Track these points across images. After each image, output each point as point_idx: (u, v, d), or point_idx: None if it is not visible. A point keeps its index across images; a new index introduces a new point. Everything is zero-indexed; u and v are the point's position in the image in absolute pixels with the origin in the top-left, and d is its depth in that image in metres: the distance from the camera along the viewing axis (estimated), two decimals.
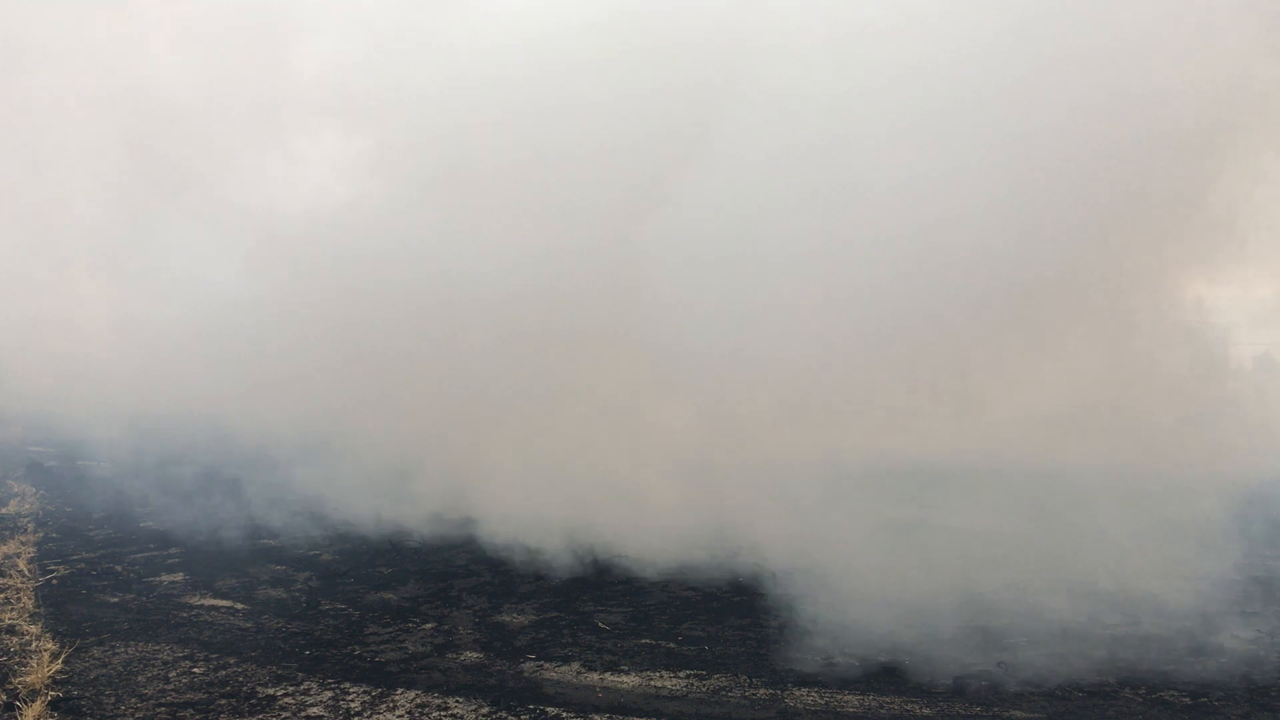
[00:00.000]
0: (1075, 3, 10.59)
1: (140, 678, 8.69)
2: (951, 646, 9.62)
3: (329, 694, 8.30)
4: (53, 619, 10.52)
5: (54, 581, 12.27)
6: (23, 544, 14.24)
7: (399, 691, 8.36)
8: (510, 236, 14.29)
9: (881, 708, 8.12)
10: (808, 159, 11.91)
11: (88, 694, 8.24)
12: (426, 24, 16.37)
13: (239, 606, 11.26)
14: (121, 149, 20.59)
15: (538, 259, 13.94)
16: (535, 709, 7.99)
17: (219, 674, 8.83)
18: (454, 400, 15.39)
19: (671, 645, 9.85)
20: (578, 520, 13.97)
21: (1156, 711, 8.11)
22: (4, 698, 7.99)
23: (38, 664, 8.65)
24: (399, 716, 7.81)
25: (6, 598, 11.20)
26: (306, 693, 8.34)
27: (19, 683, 8.33)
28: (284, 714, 7.84)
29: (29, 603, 11.04)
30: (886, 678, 8.84)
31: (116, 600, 11.45)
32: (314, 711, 7.89)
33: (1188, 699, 8.41)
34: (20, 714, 7.58)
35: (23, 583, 11.91)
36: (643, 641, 9.97)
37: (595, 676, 8.86)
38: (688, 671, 9.00)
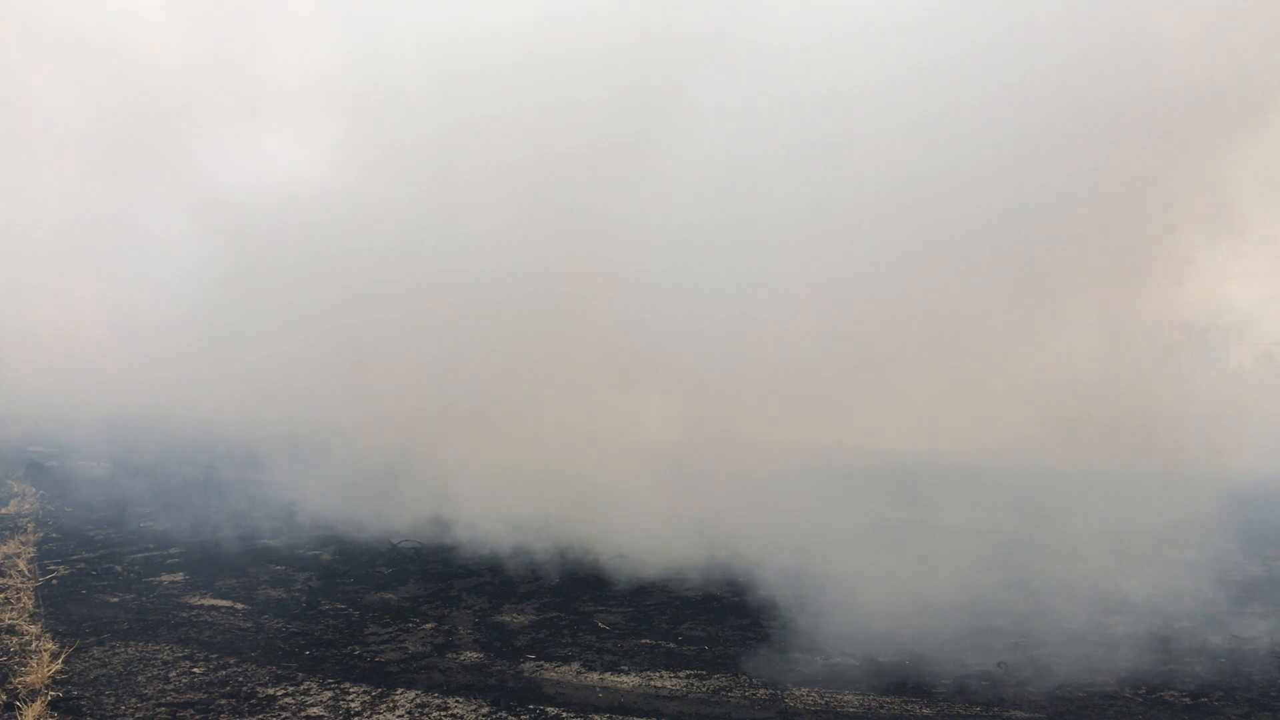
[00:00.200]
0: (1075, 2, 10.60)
1: (140, 678, 8.68)
2: (951, 646, 9.62)
3: (329, 694, 8.30)
4: (53, 619, 10.51)
5: (54, 581, 12.27)
6: (23, 544, 14.24)
7: (399, 691, 8.36)
8: (499, 231, 14.23)
9: (881, 708, 8.12)
10: (802, 151, 11.92)
11: (88, 694, 8.23)
12: (399, 13, 16.19)
13: (239, 606, 11.25)
14: (111, 146, 20.60)
15: (529, 256, 13.91)
16: (535, 709, 7.98)
17: (219, 674, 8.82)
18: (447, 400, 15.39)
19: (671, 645, 9.85)
20: (578, 520, 13.98)
21: (1156, 711, 8.11)
22: (4, 698, 7.99)
23: (38, 664, 8.65)
24: (399, 716, 7.81)
25: (6, 598, 11.20)
26: (306, 693, 8.33)
27: (19, 683, 8.32)
28: (284, 714, 7.84)
29: (29, 603, 11.03)
30: (886, 677, 8.84)
31: (116, 600, 11.44)
32: (314, 711, 7.89)
33: (1188, 699, 8.41)
34: (20, 714, 7.57)
35: (23, 583, 11.91)
36: (643, 641, 9.97)
37: (595, 676, 8.85)
38: (688, 671, 9.00)
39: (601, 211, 13.43)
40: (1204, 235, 10.95)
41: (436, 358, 15.32)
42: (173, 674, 8.79)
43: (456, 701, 8.13)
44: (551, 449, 14.41)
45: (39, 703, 7.81)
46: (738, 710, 8.07)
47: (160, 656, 9.30)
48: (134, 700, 8.11)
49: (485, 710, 7.95)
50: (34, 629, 10.04)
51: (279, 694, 8.29)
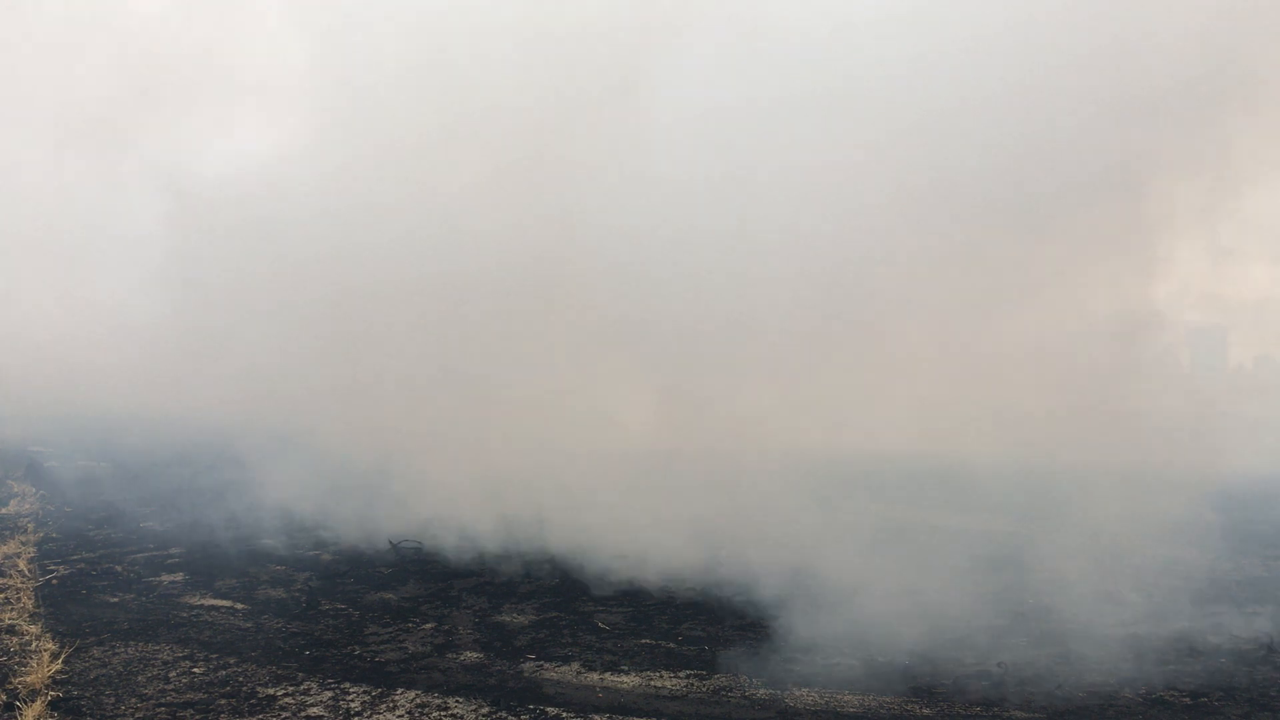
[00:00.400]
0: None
1: (140, 678, 8.68)
2: (951, 646, 9.62)
3: (329, 694, 8.30)
4: (53, 619, 10.51)
5: (54, 581, 12.27)
6: (23, 544, 14.24)
7: (399, 691, 8.36)
8: (492, 231, 14.17)
9: (881, 708, 8.12)
10: (799, 150, 11.91)
11: (88, 694, 8.23)
12: (378, 4, 16.06)
13: (239, 606, 11.25)
14: (102, 145, 20.59)
15: (528, 256, 13.88)
16: (535, 709, 7.98)
17: (219, 674, 8.82)
18: (445, 401, 15.36)
19: (671, 645, 9.85)
20: (577, 521, 13.96)
21: (1156, 711, 8.11)
22: (4, 698, 7.99)
23: (38, 664, 8.65)
24: (399, 716, 7.81)
25: (6, 598, 11.19)
26: (306, 693, 8.33)
27: (19, 683, 8.32)
28: (284, 714, 7.84)
29: (29, 603, 11.03)
30: (886, 677, 8.84)
31: (116, 600, 11.44)
32: (314, 711, 7.89)
33: (1188, 699, 8.41)
34: (20, 714, 7.57)
35: (23, 583, 11.91)
36: (643, 641, 9.97)
37: (595, 676, 8.86)
38: (688, 671, 9.00)
39: (596, 211, 13.42)
40: (1203, 235, 10.97)
41: (436, 358, 15.31)
42: (173, 674, 8.80)
43: (456, 701, 8.13)
44: (551, 449, 14.40)
45: (39, 703, 7.82)
46: (738, 710, 8.07)
47: (160, 656, 9.30)
48: (134, 700, 8.11)
49: (485, 710, 7.95)
50: (34, 629, 10.04)
51: (279, 694, 8.29)
